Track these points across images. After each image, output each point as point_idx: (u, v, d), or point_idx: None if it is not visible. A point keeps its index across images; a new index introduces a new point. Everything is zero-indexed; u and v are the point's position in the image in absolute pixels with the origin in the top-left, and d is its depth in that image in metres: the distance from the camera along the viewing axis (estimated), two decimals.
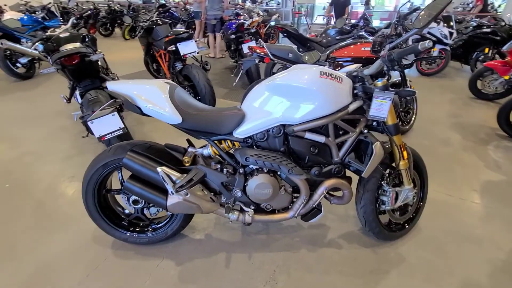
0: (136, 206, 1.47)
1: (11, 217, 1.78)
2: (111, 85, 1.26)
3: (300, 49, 3.89)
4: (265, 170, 1.33)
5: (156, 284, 1.38)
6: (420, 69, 5.10)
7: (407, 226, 1.62)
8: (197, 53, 3.06)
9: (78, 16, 2.87)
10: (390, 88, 1.24)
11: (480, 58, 4.89)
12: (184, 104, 1.27)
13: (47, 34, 2.54)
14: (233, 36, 4.26)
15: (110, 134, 1.94)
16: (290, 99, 1.23)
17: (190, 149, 1.42)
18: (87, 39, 2.52)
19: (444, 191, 2.08)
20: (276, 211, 1.46)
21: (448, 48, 4.69)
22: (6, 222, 1.75)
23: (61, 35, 2.50)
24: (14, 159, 2.41)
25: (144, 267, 1.47)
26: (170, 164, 1.33)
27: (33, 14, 4.92)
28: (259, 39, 2.69)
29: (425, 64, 5.00)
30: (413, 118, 2.93)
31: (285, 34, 3.77)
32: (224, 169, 1.35)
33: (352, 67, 1.52)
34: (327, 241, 1.64)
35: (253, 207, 1.42)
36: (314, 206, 1.41)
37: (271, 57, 2.50)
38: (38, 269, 1.44)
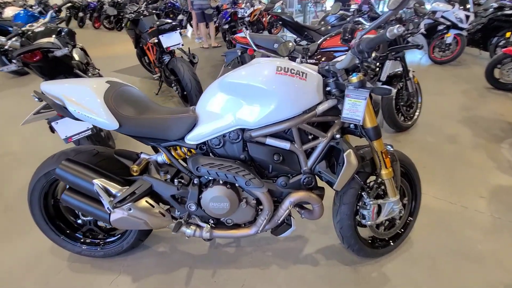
0: (86, 218, 1.35)
1: None
2: (44, 85, 1.11)
3: (298, 38, 3.63)
4: (221, 182, 1.16)
5: None
6: (432, 57, 4.68)
7: (392, 243, 1.41)
8: (182, 45, 2.87)
9: (57, 9, 2.74)
10: (369, 84, 1.03)
11: (500, 44, 4.42)
12: (126, 106, 1.11)
13: (23, 29, 2.43)
14: (226, 26, 4.02)
15: (78, 135, 1.82)
16: (243, 99, 1.05)
17: (142, 156, 1.27)
18: (63, 33, 2.39)
19: (445, 198, 1.84)
20: (243, 225, 1.29)
21: (464, 33, 4.27)
22: None
23: (37, 30, 2.38)
24: None
25: (97, 283, 1.35)
26: (117, 174, 1.18)
27: (29, 9, 4.87)
28: (244, 28, 2.47)
29: (438, 52, 4.59)
30: (417, 113, 2.65)
31: (281, 23, 3.52)
32: (175, 180, 1.19)
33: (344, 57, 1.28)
34: (302, 256, 1.46)
35: (212, 221, 1.26)
36: (281, 221, 1.24)
37: (255, 47, 2.29)
38: None
